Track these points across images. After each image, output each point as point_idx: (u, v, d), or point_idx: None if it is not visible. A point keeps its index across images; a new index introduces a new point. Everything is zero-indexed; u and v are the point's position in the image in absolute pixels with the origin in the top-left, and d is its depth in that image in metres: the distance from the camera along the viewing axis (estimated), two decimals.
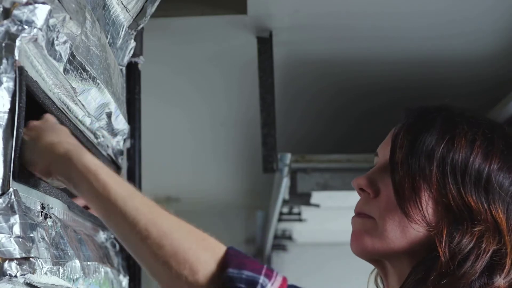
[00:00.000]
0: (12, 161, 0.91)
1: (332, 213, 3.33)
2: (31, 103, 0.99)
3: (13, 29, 0.90)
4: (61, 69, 1.04)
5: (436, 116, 1.06)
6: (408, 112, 1.10)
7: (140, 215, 0.93)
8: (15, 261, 0.88)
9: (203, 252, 0.91)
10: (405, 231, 1.02)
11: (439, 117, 1.06)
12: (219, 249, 0.92)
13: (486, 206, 1.00)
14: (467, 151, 1.02)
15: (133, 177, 1.74)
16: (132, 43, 1.53)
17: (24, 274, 0.89)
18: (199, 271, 0.89)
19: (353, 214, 1.11)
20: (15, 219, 0.89)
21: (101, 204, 0.93)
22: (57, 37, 0.98)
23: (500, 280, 0.97)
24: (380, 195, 1.05)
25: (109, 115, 1.38)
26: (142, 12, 1.47)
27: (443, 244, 0.98)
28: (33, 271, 0.91)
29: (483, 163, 1.01)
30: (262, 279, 0.88)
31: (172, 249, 0.90)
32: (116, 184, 0.94)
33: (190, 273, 0.89)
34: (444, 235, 0.99)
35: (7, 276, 0.87)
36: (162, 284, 0.93)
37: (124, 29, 1.42)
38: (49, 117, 1.06)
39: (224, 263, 0.90)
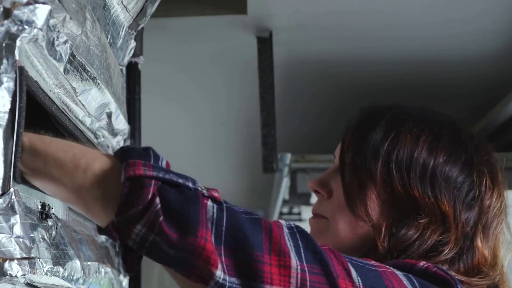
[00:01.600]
0: (12, 161, 0.91)
1: None
2: (32, 103, 0.99)
3: (14, 29, 0.90)
4: (62, 69, 1.04)
5: (384, 115, 1.09)
6: (359, 112, 1.15)
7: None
8: (15, 261, 0.88)
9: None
10: (355, 229, 1.06)
11: (386, 116, 1.09)
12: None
13: (432, 199, 1.02)
14: (412, 146, 1.04)
15: None
16: (132, 43, 1.53)
17: (25, 274, 0.89)
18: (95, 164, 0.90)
19: None
20: (16, 219, 0.89)
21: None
22: (58, 37, 0.98)
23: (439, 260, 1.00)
24: (333, 196, 1.09)
25: (109, 115, 1.38)
26: (142, 12, 1.47)
27: (381, 237, 1.02)
28: (34, 271, 0.91)
29: (428, 158, 1.04)
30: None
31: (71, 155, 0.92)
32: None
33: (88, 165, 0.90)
34: (383, 229, 1.02)
35: (7, 276, 0.87)
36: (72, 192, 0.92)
37: (124, 29, 1.42)
38: None
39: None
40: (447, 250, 1.01)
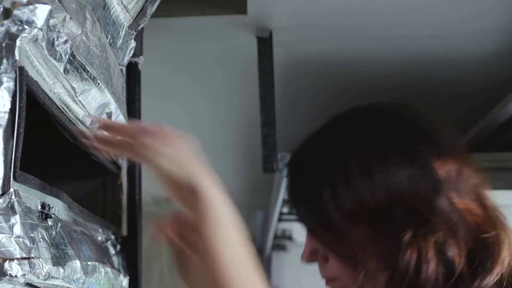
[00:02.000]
0: (12, 161, 0.91)
1: None
2: (32, 103, 0.99)
3: (14, 29, 0.90)
4: (62, 69, 1.04)
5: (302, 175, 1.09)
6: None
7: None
8: (15, 261, 0.88)
9: None
10: (357, 277, 1.02)
11: (306, 173, 1.09)
12: None
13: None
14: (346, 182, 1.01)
15: (133, 177, 1.74)
16: (132, 43, 1.53)
17: (25, 274, 0.89)
18: None
19: None
20: (16, 219, 0.89)
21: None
22: (58, 37, 0.98)
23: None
24: (330, 258, 1.06)
25: (109, 115, 1.38)
26: (142, 12, 1.47)
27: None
28: (34, 271, 0.91)
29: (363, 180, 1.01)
30: None
31: None
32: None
33: None
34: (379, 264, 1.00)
35: (7, 276, 0.87)
36: None
37: (124, 29, 1.42)
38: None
39: None
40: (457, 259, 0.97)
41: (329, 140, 1.08)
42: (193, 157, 0.98)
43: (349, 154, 1.04)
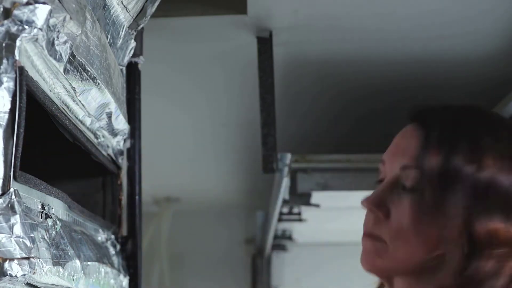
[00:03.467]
0: (12, 161, 0.91)
1: (332, 213, 3.33)
2: (32, 103, 0.99)
3: (14, 29, 0.90)
4: (62, 69, 1.04)
5: (457, 128, 1.02)
6: (423, 120, 1.05)
7: None
8: (15, 261, 0.88)
9: None
10: (415, 255, 1.00)
11: (461, 130, 1.02)
12: None
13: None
14: (495, 171, 0.99)
15: (133, 177, 1.74)
16: (132, 43, 1.53)
17: (25, 274, 0.89)
18: None
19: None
20: (16, 219, 0.90)
21: None
22: (58, 37, 0.98)
23: None
24: (391, 217, 1.02)
25: (109, 115, 1.38)
26: (142, 12, 1.47)
27: (455, 268, 0.97)
28: (34, 271, 0.91)
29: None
30: None
31: None
32: None
33: None
34: (455, 260, 0.97)
35: (7, 276, 0.87)
36: None
37: (124, 29, 1.42)
38: None
39: None
40: None
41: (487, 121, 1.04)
42: None
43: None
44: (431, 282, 1.00)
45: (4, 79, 0.89)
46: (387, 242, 1.02)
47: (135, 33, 1.52)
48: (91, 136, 1.38)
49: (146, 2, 1.46)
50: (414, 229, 1.00)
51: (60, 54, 1.01)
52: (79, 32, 1.05)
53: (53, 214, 1.08)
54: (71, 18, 1.00)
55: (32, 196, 1.00)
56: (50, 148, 1.42)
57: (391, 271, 1.04)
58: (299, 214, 3.66)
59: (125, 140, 1.65)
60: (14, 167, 0.92)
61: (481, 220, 0.97)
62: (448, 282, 0.97)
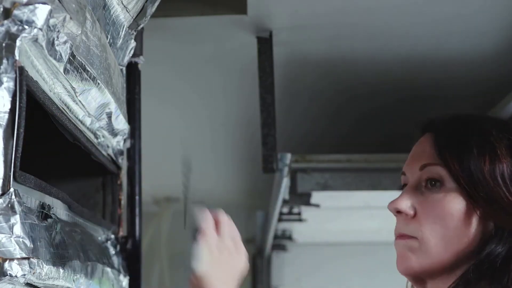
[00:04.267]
0: (12, 161, 0.91)
1: (332, 213, 3.33)
2: (31, 103, 0.99)
3: (14, 29, 0.90)
4: (62, 69, 1.04)
5: (466, 126, 1.10)
6: (435, 130, 1.12)
7: None
8: (15, 261, 0.88)
9: None
10: (448, 245, 1.06)
11: (470, 127, 1.09)
12: None
13: None
14: (509, 159, 1.05)
15: (133, 177, 1.74)
16: (132, 43, 1.53)
17: (25, 274, 0.89)
18: None
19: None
20: (16, 219, 0.90)
21: None
22: (58, 37, 0.98)
23: None
24: (418, 215, 1.08)
25: (109, 115, 1.38)
26: (142, 12, 1.47)
27: (484, 253, 1.03)
28: (34, 271, 0.91)
29: None
30: None
31: None
32: None
33: None
34: (487, 245, 1.04)
35: (7, 276, 0.87)
36: None
37: (124, 29, 1.42)
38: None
39: None
40: None
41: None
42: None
43: None
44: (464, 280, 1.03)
45: (4, 79, 0.89)
46: (418, 238, 1.08)
47: (135, 33, 1.52)
48: (91, 136, 1.38)
49: (146, 2, 1.46)
50: (441, 221, 1.06)
51: (60, 54, 1.01)
52: (79, 32, 1.05)
53: (53, 214, 1.08)
54: (71, 18, 1.00)
55: (32, 196, 1.00)
56: (50, 148, 1.42)
57: (427, 270, 1.08)
58: (299, 214, 3.65)
59: (125, 140, 1.65)
60: (14, 167, 0.92)
61: (505, 205, 1.03)
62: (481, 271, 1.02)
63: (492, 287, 1.00)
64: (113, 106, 1.35)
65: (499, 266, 1.01)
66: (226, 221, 1.17)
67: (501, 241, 1.02)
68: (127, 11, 1.40)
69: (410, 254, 1.08)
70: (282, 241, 4.58)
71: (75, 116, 1.24)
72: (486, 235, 1.04)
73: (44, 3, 0.92)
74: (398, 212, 1.11)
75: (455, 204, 1.06)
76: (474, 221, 1.05)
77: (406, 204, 1.09)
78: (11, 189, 0.90)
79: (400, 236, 1.11)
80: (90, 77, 1.15)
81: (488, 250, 1.03)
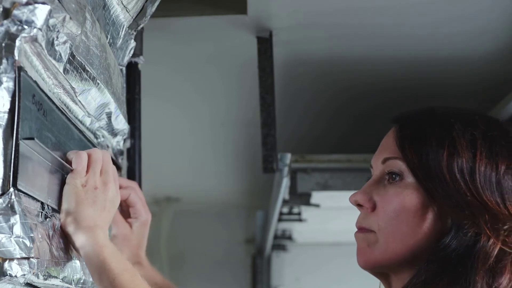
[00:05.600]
0: (12, 161, 0.91)
1: (332, 213, 3.33)
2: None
3: (13, 29, 0.90)
4: (61, 69, 1.04)
5: (430, 122, 1.07)
6: (400, 123, 1.11)
7: None
8: (15, 261, 0.88)
9: None
10: (404, 240, 1.04)
11: (433, 124, 1.06)
12: None
13: (502, 206, 1.00)
14: (470, 155, 1.02)
15: (133, 177, 1.74)
16: (132, 43, 1.53)
17: (24, 274, 0.89)
18: None
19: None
20: (15, 219, 0.90)
21: (96, 270, 1.08)
22: (57, 37, 0.98)
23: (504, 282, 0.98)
24: (377, 208, 1.07)
25: (109, 115, 1.38)
26: (142, 12, 1.47)
27: (440, 248, 1.01)
28: (33, 271, 0.91)
29: (489, 167, 1.02)
30: None
31: None
32: (115, 261, 1.06)
33: None
34: (443, 240, 1.01)
35: (7, 276, 0.87)
36: None
37: (124, 29, 1.42)
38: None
39: None
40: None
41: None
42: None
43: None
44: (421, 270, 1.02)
45: (4, 79, 0.89)
46: (376, 231, 1.07)
47: (135, 33, 1.52)
48: (91, 136, 1.37)
49: (146, 2, 1.46)
50: (398, 215, 1.04)
51: (60, 54, 1.01)
52: (79, 32, 1.05)
53: (53, 214, 1.08)
54: (70, 18, 1.00)
55: (32, 196, 1.00)
56: None
57: (385, 264, 1.06)
58: (299, 214, 3.66)
59: (125, 140, 1.65)
60: (14, 167, 0.92)
61: (471, 199, 1.00)
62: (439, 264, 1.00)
63: (448, 287, 0.98)
64: (113, 106, 1.35)
65: (455, 264, 0.99)
66: (97, 158, 1.15)
67: (457, 238, 1.00)
68: (127, 11, 1.40)
69: (368, 248, 1.08)
70: (282, 241, 4.58)
71: (75, 116, 1.24)
72: (443, 231, 1.02)
73: (43, 3, 0.92)
74: (358, 205, 1.10)
75: (412, 199, 1.04)
76: (431, 216, 1.03)
77: (366, 197, 1.09)
78: (11, 189, 0.90)
79: (359, 229, 1.11)
80: (89, 77, 1.15)
81: (443, 244, 1.01)
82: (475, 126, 1.05)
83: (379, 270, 1.09)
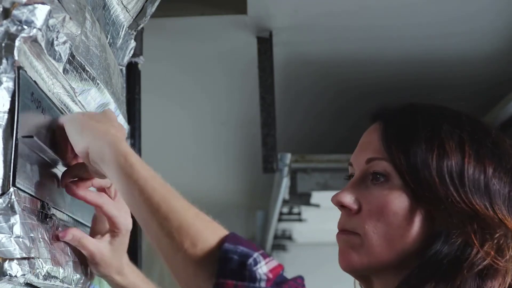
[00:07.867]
0: (12, 161, 0.91)
1: (332, 213, 3.32)
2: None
3: (13, 29, 0.90)
4: (61, 69, 1.04)
5: (417, 123, 1.02)
6: (384, 120, 1.06)
7: (155, 193, 0.96)
8: (15, 261, 0.88)
9: (205, 229, 0.93)
10: (390, 244, 1.00)
11: (420, 123, 1.02)
12: (221, 231, 0.94)
13: (491, 211, 0.97)
14: (459, 157, 0.99)
15: None
16: (132, 43, 1.53)
17: (24, 274, 0.89)
18: (198, 245, 0.91)
19: None
20: (15, 219, 0.89)
21: (125, 182, 0.97)
22: (57, 37, 0.98)
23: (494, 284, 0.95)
24: (362, 210, 1.03)
25: None
26: (142, 12, 1.47)
27: (429, 253, 0.97)
28: (33, 271, 0.91)
29: (477, 170, 0.99)
30: (256, 255, 0.88)
31: (177, 223, 0.93)
32: (141, 167, 0.98)
33: (190, 246, 0.91)
34: (432, 245, 0.97)
35: (7, 276, 0.87)
36: (164, 255, 0.96)
37: (124, 29, 1.42)
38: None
39: (222, 240, 0.91)
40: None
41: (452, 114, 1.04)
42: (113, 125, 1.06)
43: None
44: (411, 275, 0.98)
45: (4, 79, 0.89)
46: (361, 234, 1.02)
47: (135, 33, 1.51)
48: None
49: (146, 2, 1.46)
50: (385, 219, 1.00)
51: (60, 54, 1.01)
52: (79, 32, 1.05)
53: (53, 214, 1.08)
54: (70, 18, 1.00)
55: (32, 196, 1.00)
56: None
57: (369, 268, 1.02)
58: (299, 214, 3.66)
59: None
60: (14, 167, 0.92)
61: (460, 202, 0.97)
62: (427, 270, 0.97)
63: None
64: (112, 106, 1.35)
65: (446, 269, 0.95)
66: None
67: (447, 243, 0.96)
68: (127, 11, 1.40)
69: (351, 251, 1.02)
70: (282, 241, 4.58)
71: None
72: (432, 235, 0.98)
73: (43, 3, 0.92)
74: (341, 206, 1.06)
75: (400, 202, 0.99)
76: (419, 220, 0.99)
77: (350, 198, 1.04)
78: (11, 189, 0.90)
79: (342, 231, 1.05)
80: (89, 77, 1.15)
81: (433, 251, 0.96)
82: (462, 126, 1.01)
83: (362, 273, 1.05)
